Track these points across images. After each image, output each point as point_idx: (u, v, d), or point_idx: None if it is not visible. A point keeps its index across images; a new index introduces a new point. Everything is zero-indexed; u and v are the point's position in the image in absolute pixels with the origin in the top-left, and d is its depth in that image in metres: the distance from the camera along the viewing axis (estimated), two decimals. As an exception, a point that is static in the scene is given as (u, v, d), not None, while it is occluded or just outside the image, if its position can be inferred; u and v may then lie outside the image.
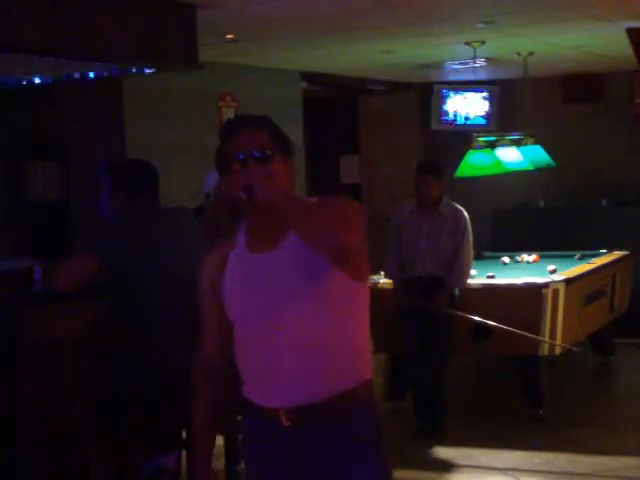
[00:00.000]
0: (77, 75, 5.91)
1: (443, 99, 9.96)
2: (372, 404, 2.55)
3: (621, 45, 7.41)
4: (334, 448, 2.47)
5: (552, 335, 6.08)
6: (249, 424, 2.59)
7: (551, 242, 8.65)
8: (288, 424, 2.46)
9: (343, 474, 2.48)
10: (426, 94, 10.28)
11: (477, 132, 8.47)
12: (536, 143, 8.51)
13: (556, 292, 6.12)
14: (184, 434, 4.47)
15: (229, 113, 8.24)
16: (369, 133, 11.14)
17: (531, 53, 8.31)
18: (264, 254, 2.48)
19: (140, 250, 4.24)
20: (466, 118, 10.04)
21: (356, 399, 2.49)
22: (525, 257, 7.66)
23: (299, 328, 2.43)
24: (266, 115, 2.58)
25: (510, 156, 8.12)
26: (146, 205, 4.40)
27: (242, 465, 4.79)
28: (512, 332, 5.85)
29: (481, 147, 7.93)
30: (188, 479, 4.47)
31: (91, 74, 5.89)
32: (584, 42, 7.94)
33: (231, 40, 6.84)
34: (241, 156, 2.42)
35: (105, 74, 5.87)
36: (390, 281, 6.30)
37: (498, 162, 7.98)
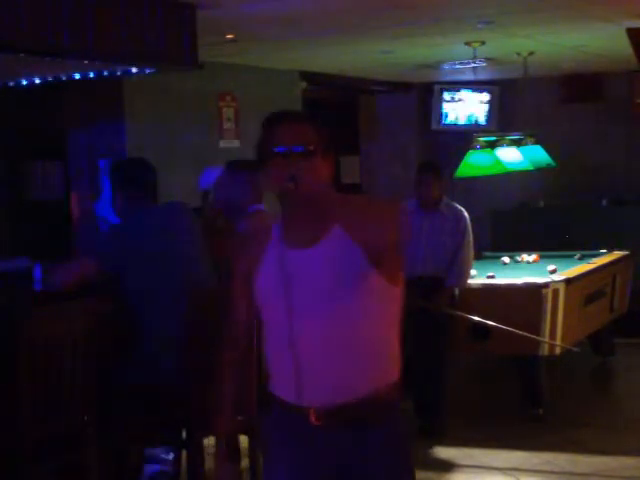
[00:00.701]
0: (77, 75, 5.92)
1: (443, 99, 9.96)
2: (399, 406, 2.55)
3: (621, 45, 7.41)
4: (361, 448, 2.47)
5: (552, 335, 6.08)
6: (274, 421, 2.57)
7: (551, 242, 8.65)
8: (317, 423, 2.45)
9: (369, 474, 2.49)
10: (426, 94, 10.28)
11: (477, 132, 8.47)
12: (536, 143, 8.51)
13: (556, 292, 6.12)
14: (184, 434, 4.48)
15: (229, 113, 8.24)
16: (369, 133, 11.14)
17: (531, 53, 8.31)
18: (302, 250, 2.46)
19: (140, 251, 4.24)
20: (466, 118, 10.03)
21: (385, 400, 2.49)
22: (525, 257, 7.66)
23: (334, 327, 2.42)
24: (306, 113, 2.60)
25: (510, 156, 8.12)
26: (145, 205, 4.40)
27: (241, 465, 4.80)
28: (512, 332, 5.85)
29: (481, 147, 7.93)
30: (188, 479, 4.48)
31: (91, 74, 5.89)
32: (584, 42, 7.94)
33: (231, 40, 6.84)
34: (283, 150, 2.43)
35: (105, 74, 5.87)
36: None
37: (498, 162, 7.98)
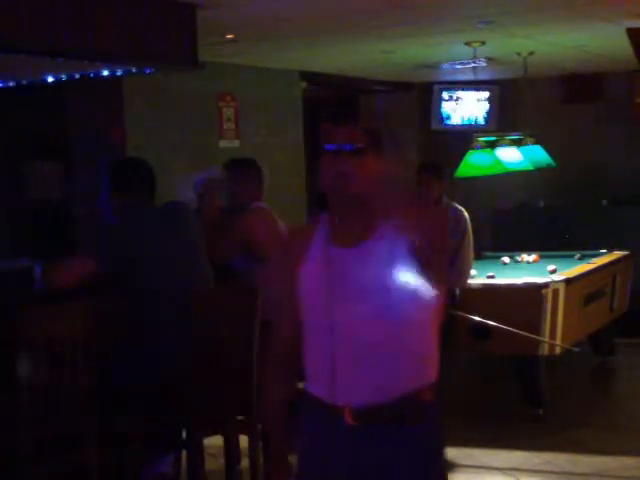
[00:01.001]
0: (77, 75, 5.91)
1: (443, 99, 9.95)
2: (436, 406, 2.55)
3: (621, 45, 7.40)
4: (396, 449, 2.47)
5: (552, 335, 6.08)
6: (309, 420, 2.57)
7: (551, 242, 8.64)
8: (353, 423, 2.45)
9: (401, 474, 2.48)
10: (426, 94, 10.28)
11: (477, 132, 8.46)
12: (536, 143, 8.51)
13: (556, 292, 6.12)
14: (184, 434, 4.48)
15: (229, 113, 8.24)
16: (369, 133, 11.12)
17: (531, 53, 8.30)
18: (348, 249, 2.48)
19: (138, 251, 4.25)
20: (466, 118, 10.02)
21: (422, 401, 2.49)
22: (525, 257, 7.66)
23: (375, 327, 2.43)
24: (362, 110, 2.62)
25: (510, 156, 8.12)
26: (143, 205, 4.40)
27: (241, 464, 4.80)
28: (512, 332, 5.85)
29: (481, 147, 7.93)
30: (188, 479, 4.48)
31: (91, 74, 5.89)
32: (584, 42, 7.93)
33: (231, 40, 6.84)
34: (334, 147, 2.46)
35: (105, 74, 5.87)
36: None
37: (498, 162, 7.98)
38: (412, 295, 2.43)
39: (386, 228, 2.43)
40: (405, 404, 2.46)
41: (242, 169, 5.30)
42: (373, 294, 2.43)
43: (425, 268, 2.41)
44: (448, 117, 10.01)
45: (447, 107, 9.96)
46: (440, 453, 2.57)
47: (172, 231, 4.40)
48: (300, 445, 2.64)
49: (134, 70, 5.76)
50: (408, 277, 2.41)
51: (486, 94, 10.02)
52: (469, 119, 10.01)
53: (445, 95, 9.93)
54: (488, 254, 7.91)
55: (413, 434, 2.48)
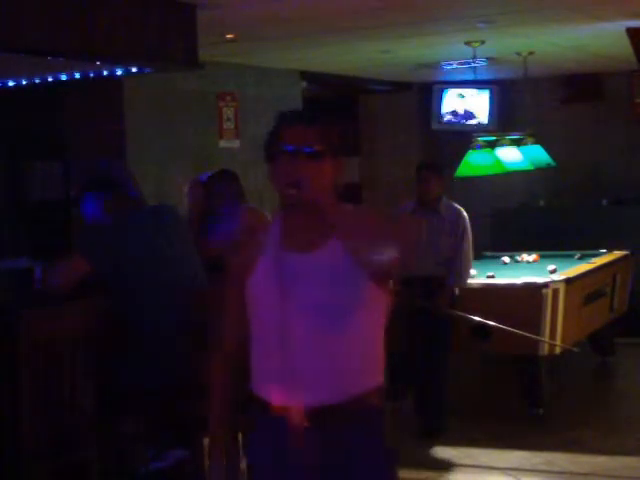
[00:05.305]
0: (77, 75, 5.91)
1: (443, 99, 9.96)
2: (383, 407, 2.56)
3: (621, 45, 7.40)
4: (347, 449, 2.47)
5: (552, 335, 6.08)
6: (261, 423, 2.57)
7: (551, 242, 8.65)
8: (306, 425, 2.45)
9: (355, 475, 2.49)
10: (426, 94, 10.28)
11: (477, 132, 8.47)
12: (536, 143, 8.51)
13: (556, 292, 6.12)
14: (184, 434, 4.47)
15: (229, 113, 8.24)
16: (369, 133, 11.14)
17: (531, 53, 8.31)
18: (300, 255, 2.46)
19: (128, 252, 4.24)
20: (466, 118, 10.03)
21: (371, 402, 2.50)
22: (525, 257, 7.67)
23: (326, 330, 2.43)
24: (321, 113, 2.54)
25: (510, 156, 8.13)
26: (132, 206, 4.39)
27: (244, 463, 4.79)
28: (512, 332, 5.85)
29: (481, 147, 7.93)
30: (188, 479, 4.48)
31: (91, 74, 5.89)
32: (584, 42, 7.94)
33: (231, 40, 6.84)
34: (290, 149, 2.40)
35: (105, 74, 5.87)
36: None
37: (498, 162, 7.98)
38: (361, 301, 2.44)
39: (336, 238, 2.40)
40: (357, 405, 2.46)
41: (222, 177, 5.64)
42: (323, 300, 2.42)
43: (374, 277, 2.40)
44: (448, 117, 10.02)
45: (447, 107, 9.98)
46: (389, 454, 2.56)
47: (160, 231, 4.39)
48: (252, 448, 2.66)
49: (134, 70, 5.76)
50: (356, 286, 2.41)
51: (486, 94, 10.03)
52: (469, 119, 10.03)
53: (445, 95, 9.94)
54: (488, 254, 7.91)
55: (362, 434, 2.48)
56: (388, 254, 2.34)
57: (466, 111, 10.05)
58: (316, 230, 2.44)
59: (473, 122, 9.97)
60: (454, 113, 10.03)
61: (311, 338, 2.43)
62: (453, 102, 10.03)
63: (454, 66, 9.01)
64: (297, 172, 2.38)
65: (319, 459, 2.47)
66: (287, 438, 2.47)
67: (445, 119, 10.04)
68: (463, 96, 10.02)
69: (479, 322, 5.96)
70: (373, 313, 2.50)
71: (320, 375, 2.44)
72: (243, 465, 4.63)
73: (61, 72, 5.90)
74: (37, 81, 6.13)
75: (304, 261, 2.45)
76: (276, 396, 2.49)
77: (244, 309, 2.54)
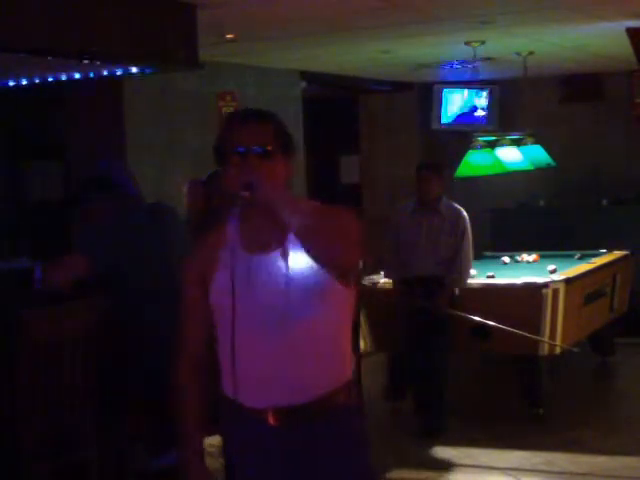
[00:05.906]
0: (77, 75, 5.91)
1: (443, 99, 9.96)
2: (356, 404, 2.56)
3: (621, 45, 7.40)
4: (320, 448, 2.48)
5: (552, 335, 6.08)
6: (229, 424, 2.57)
7: (551, 242, 8.65)
8: (275, 424, 2.45)
9: (329, 473, 2.49)
10: (426, 94, 10.28)
11: (477, 132, 8.47)
12: (536, 143, 8.51)
13: (556, 292, 6.12)
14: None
15: (229, 113, 8.24)
16: (369, 133, 11.14)
17: (531, 53, 8.31)
18: (259, 254, 2.45)
19: (132, 250, 4.24)
20: (466, 118, 10.03)
21: (341, 399, 2.49)
22: (525, 257, 7.66)
23: (292, 329, 2.41)
24: (270, 111, 2.54)
25: (510, 156, 8.13)
26: (130, 206, 4.39)
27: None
28: (512, 332, 5.85)
29: (481, 147, 7.94)
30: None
31: (91, 74, 5.89)
32: (584, 42, 7.94)
33: (231, 40, 6.84)
34: (241, 149, 2.39)
35: (105, 74, 5.87)
36: (390, 281, 6.30)
37: (498, 162, 7.99)
38: (323, 298, 2.42)
39: (293, 235, 2.38)
40: (327, 403, 2.45)
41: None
42: (284, 299, 2.40)
43: (334, 272, 2.39)
44: (448, 117, 10.02)
45: (447, 107, 9.97)
46: (366, 449, 2.56)
47: (158, 230, 4.39)
48: (228, 449, 2.63)
49: (134, 70, 5.76)
50: (317, 282, 2.40)
51: (486, 94, 10.03)
52: (469, 119, 10.03)
53: (445, 95, 9.94)
54: (488, 254, 7.91)
55: (332, 433, 2.48)
56: (344, 250, 2.35)
57: (466, 111, 10.05)
58: (272, 229, 2.43)
59: (473, 122, 9.98)
60: (454, 113, 10.03)
61: (275, 338, 2.41)
62: (453, 102, 10.03)
63: (454, 66, 9.01)
64: (249, 173, 2.36)
65: (290, 458, 2.47)
66: (258, 437, 2.47)
67: (445, 119, 10.04)
68: (463, 96, 10.02)
69: (479, 322, 5.96)
70: (334, 311, 2.47)
71: (281, 376, 2.42)
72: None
73: (61, 72, 5.90)
74: (37, 81, 6.13)
75: (262, 261, 2.44)
76: (243, 397, 2.48)
77: (208, 310, 2.52)
